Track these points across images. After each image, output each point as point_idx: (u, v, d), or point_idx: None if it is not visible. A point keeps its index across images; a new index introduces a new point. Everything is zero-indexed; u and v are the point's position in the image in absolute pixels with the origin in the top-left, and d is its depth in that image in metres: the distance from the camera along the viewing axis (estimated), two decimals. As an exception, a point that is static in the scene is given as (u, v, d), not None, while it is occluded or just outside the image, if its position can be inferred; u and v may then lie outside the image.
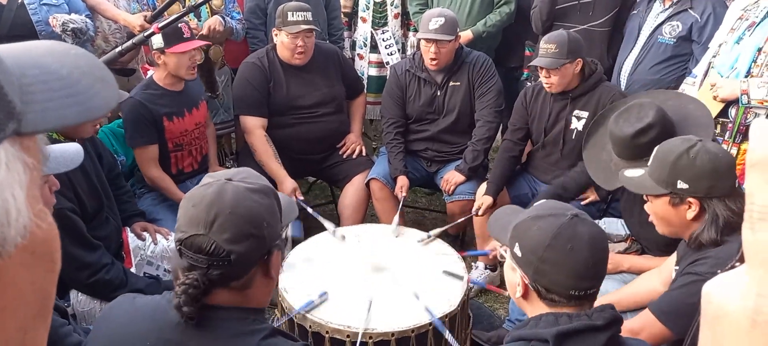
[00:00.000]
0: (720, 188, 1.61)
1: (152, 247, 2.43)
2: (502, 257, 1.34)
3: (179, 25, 2.63)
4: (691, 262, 1.66)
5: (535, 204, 1.41)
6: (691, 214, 1.65)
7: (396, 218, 2.52)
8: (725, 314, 0.41)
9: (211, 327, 1.13)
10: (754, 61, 2.40)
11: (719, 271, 0.46)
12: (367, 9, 3.69)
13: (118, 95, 0.49)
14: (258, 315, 1.18)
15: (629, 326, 1.69)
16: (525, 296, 1.26)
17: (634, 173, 1.82)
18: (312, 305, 1.96)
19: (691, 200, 1.64)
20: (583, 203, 2.71)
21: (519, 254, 1.24)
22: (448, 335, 1.87)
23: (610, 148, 2.15)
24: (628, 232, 2.45)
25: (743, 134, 2.43)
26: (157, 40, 2.60)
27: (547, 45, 2.58)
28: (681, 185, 1.64)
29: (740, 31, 2.49)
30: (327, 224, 2.46)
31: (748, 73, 2.40)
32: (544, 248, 1.19)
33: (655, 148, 1.77)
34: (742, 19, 2.52)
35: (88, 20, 2.92)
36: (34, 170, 0.43)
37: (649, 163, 1.76)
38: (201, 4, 2.86)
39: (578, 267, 1.18)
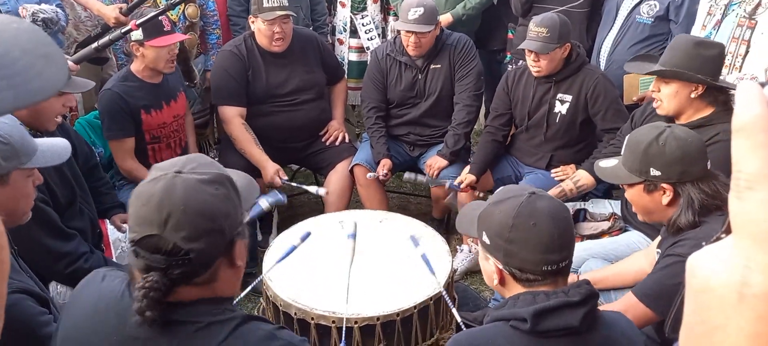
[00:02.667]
0: (692, 172, 1.64)
1: (133, 239, 2.40)
2: (475, 249, 1.35)
3: (160, 18, 2.58)
4: (671, 244, 1.69)
5: (496, 191, 1.42)
6: (666, 199, 1.69)
7: (372, 174, 2.52)
8: (711, 287, 0.40)
9: (180, 322, 1.07)
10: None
11: (704, 243, 0.44)
12: (346, -7, 3.66)
13: (66, 74, 0.44)
14: (227, 303, 1.12)
15: (613, 308, 1.71)
16: (502, 282, 1.27)
17: (608, 163, 1.86)
18: (294, 249, 1.96)
19: (664, 186, 1.67)
20: (559, 177, 2.73)
21: (487, 241, 1.26)
22: (447, 299, 1.89)
23: (656, 64, 2.15)
24: (614, 210, 2.48)
25: None
26: (136, 33, 2.55)
27: (537, 28, 2.54)
28: (654, 172, 1.67)
29: (709, 29, 2.51)
30: (312, 189, 2.47)
31: None
32: (509, 229, 1.21)
33: (627, 137, 1.82)
34: (710, 14, 2.53)
35: (59, 10, 2.85)
36: None
37: (622, 153, 1.80)
38: (180, 1, 2.80)
39: (544, 241, 1.20)
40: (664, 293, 1.62)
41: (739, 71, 2.37)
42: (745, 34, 2.37)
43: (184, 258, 1.02)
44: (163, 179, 1.04)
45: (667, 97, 2.09)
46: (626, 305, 1.70)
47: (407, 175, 2.95)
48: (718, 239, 0.43)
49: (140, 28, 2.53)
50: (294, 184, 2.71)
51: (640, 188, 1.72)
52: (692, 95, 2.06)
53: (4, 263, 0.43)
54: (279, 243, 2.21)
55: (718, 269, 0.40)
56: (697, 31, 2.60)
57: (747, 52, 2.36)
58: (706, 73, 2.02)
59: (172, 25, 2.66)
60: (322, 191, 2.44)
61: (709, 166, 1.68)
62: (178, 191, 1.03)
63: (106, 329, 1.10)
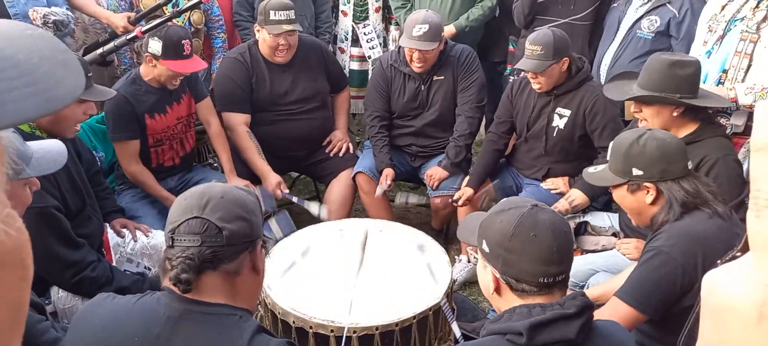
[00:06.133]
0: (672, 170, 1.71)
1: (132, 244, 2.40)
2: (474, 259, 1.36)
3: (182, 41, 2.57)
4: (650, 239, 1.73)
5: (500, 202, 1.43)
6: (649, 198, 1.74)
7: (380, 188, 2.51)
8: (730, 306, 0.40)
9: (201, 322, 1.15)
10: (721, 83, 2.43)
11: (720, 262, 0.44)
12: (348, 2, 3.67)
13: (84, 79, 0.44)
14: (245, 313, 1.20)
15: (598, 314, 1.70)
16: (497, 291, 1.28)
17: (596, 168, 1.93)
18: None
19: (647, 185, 1.73)
20: (553, 192, 2.74)
21: (487, 249, 1.27)
22: (448, 314, 1.88)
23: (635, 81, 2.19)
24: (612, 223, 2.48)
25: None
26: (154, 46, 2.55)
27: (532, 46, 2.55)
28: (636, 172, 1.74)
29: (710, 45, 2.52)
30: (312, 206, 2.47)
31: None
32: (509, 238, 1.22)
33: (611, 143, 1.87)
34: (711, 30, 2.55)
35: (68, 13, 2.87)
36: None
37: (608, 157, 1.87)
38: (186, 9, 2.80)
39: (543, 253, 1.21)
40: (645, 289, 1.65)
41: (742, 83, 2.38)
42: (747, 49, 2.38)
43: (217, 236, 1.16)
44: (204, 185, 1.25)
45: (651, 117, 2.14)
46: (612, 309, 1.70)
47: (399, 199, 2.97)
48: (734, 257, 0.43)
49: (160, 44, 2.52)
50: (295, 199, 2.71)
51: (624, 189, 1.79)
52: (674, 114, 2.10)
53: (29, 269, 0.43)
54: (279, 252, 2.21)
55: (737, 287, 0.40)
56: (698, 47, 2.61)
57: (749, 65, 2.37)
58: (682, 92, 2.06)
59: (191, 49, 2.64)
60: (323, 211, 2.43)
61: (689, 166, 1.74)
62: (218, 186, 1.24)
63: (128, 330, 1.17)
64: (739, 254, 0.42)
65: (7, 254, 0.40)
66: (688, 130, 2.12)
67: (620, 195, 1.82)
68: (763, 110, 0.40)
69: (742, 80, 2.38)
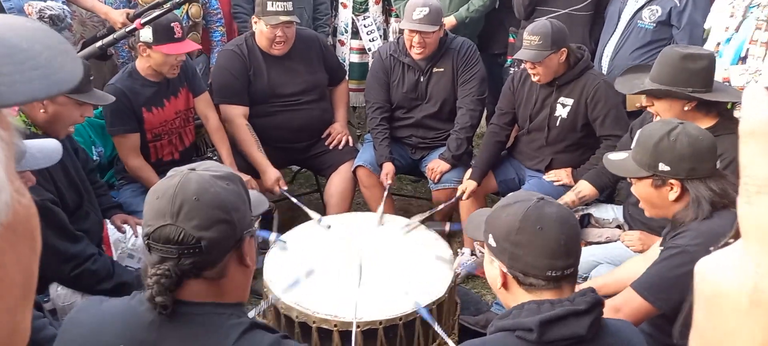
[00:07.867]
0: (701, 169, 1.64)
1: (133, 239, 2.39)
2: (481, 252, 1.35)
3: (172, 24, 2.55)
4: (671, 236, 1.69)
5: (506, 196, 1.41)
6: (673, 195, 1.68)
7: (381, 207, 2.51)
8: (721, 293, 0.40)
9: (187, 324, 1.09)
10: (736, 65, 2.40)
11: (712, 248, 0.44)
12: (348, -6, 3.65)
13: (82, 68, 0.46)
14: (236, 309, 1.14)
15: (611, 303, 1.69)
16: (505, 286, 1.26)
17: (617, 156, 1.86)
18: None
19: (672, 181, 1.67)
20: (555, 183, 2.73)
21: (493, 244, 1.26)
22: (437, 327, 1.86)
23: (647, 75, 2.13)
24: (616, 215, 2.48)
25: None
26: (145, 34, 2.53)
27: (530, 37, 2.54)
28: (662, 167, 1.67)
29: (731, 31, 2.49)
30: (313, 214, 2.44)
31: None
32: (516, 232, 1.21)
33: (638, 132, 1.80)
34: (733, 16, 2.51)
35: (65, 7, 2.85)
36: (9, 145, 0.41)
37: (632, 147, 1.79)
38: (183, 2, 2.78)
39: (551, 245, 1.19)
40: (664, 286, 1.63)
41: (759, 74, 2.36)
42: (763, 37, 2.35)
43: (195, 247, 1.06)
44: (178, 176, 1.11)
45: (662, 111, 2.08)
46: (624, 299, 1.69)
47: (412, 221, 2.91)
48: (727, 243, 0.43)
49: (150, 30, 2.51)
50: (295, 200, 2.69)
51: (647, 183, 1.72)
52: (685, 108, 2.05)
53: (38, 241, 0.45)
54: (280, 249, 2.20)
55: (728, 274, 0.40)
56: (720, 32, 2.56)
57: (766, 54, 2.34)
58: (694, 86, 2.01)
59: (183, 32, 2.62)
60: (324, 221, 2.39)
61: (718, 166, 1.68)
62: (192, 183, 1.09)
63: (113, 336, 1.11)
64: (731, 240, 0.42)
65: (20, 223, 0.42)
66: (705, 125, 2.04)
67: (642, 188, 1.75)
68: (750, 96, 0.40)
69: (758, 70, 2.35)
